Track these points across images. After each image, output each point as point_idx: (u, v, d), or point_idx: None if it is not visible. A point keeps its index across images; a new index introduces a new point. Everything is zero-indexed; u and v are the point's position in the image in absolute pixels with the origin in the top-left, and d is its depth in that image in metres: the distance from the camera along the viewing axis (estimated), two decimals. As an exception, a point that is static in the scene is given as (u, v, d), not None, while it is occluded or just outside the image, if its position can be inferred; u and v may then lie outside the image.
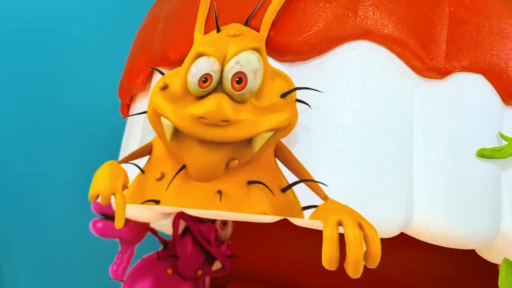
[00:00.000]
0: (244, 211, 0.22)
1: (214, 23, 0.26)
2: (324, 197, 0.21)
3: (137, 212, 0.34)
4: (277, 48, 0.24)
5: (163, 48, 0.28)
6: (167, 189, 0.26)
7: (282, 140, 0.23)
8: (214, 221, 0.48)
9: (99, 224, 0.40)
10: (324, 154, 0.23)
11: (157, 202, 0.26)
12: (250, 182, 0.23)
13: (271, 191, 0.22)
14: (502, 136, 0.25)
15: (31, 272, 0.57)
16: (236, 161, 0.23)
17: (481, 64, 0.25)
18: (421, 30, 0.24)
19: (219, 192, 0.23)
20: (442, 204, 0.23)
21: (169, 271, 0.44)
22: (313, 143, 0.23)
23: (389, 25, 0.24)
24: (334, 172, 0.22)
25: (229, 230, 0.49)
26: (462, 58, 0.24)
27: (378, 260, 0.20)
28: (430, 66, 0.24)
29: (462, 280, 0.44)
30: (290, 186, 0.22)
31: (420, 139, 0.24)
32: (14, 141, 0.55)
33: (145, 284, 0.42)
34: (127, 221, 0.41)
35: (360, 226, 0.20)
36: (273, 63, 0.25)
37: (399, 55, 0.24)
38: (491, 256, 0.25)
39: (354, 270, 0.20)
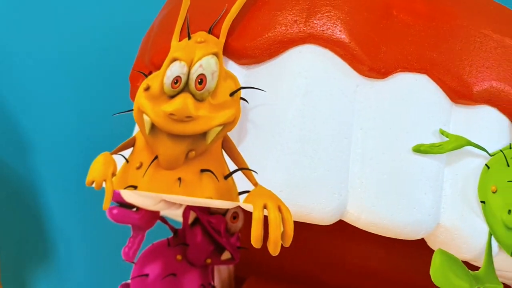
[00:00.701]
0: (196, 195, 0.26)
1: (193, 32, 0.29)
2: (255, 183, 0.24)
3: (140, 200, 0.38)
4: (235, 52, 0.27)
5: (151, 53, 0.32)
6: (143, 176, 0.30)
7: (233, 134, 0.26)
8: (224, 214, 0.52)
9: (115, 211, 0.45)
10: (267, 146, 0.25)
11: (135, 187, 0.30)
12: (202, 170, 0.26)
13: (217, 178, 0.25)
14: (443, 132, 0.26)
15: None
16: (194, 152, 0.26)
17: (425, 64, 0.26)
18: (363, 33, 0.25)
19: (179, 179, 0.27)
20: (374, 195, 0.24)
21: (179, 257, 0.48)
22: (259, 136, 0.26)
23: (333, 30, 0.26)
24: (274, 163, 0.25)
25: (239, 223, 0.52)
26: (403, 59, 0.25)
27: (290, 240, 0.22)
28: (370, 67, 0.25)
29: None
30: (231, 173, 0.25)
31: (359, 134, 0.25)
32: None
33: (155, 266, 0.46)
34: (139, 209, 0.45)
35: (279, 209, 0.22)
36: (233, 66, 0.28)
37: (342, 57, 0.26)
38: (437, 248, 0.26)
39: (273, 247, 0.22)
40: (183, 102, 0.27)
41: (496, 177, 0.26)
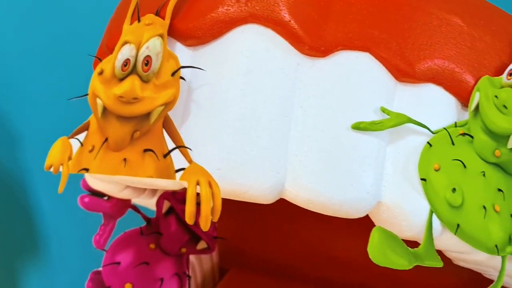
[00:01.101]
0: (138, 175, 0.26)
1: (143, 14, 0.29)
2: (190, 161, 0.24)
3: (105, 186, 0.39)
4: (180, 33, 0.27)
5: (106, 38, 0.32)
6: (94, 159, 0.30)
7: (177, 114, 0.27)
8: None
9: (86, 199, 0.45)
10: (208, 126, 0.25)
11: (87, 170, 0.30)
12: (145, 150, 0.26)
13: (157, 157, 0.25)
14: (384, 110, 0.26)
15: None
16: (138, 132, 0.27)
17: (366, 42, 0.26)
18: (304, 12, 0.25)
19: (124, 160, 0.27)
20: (311, 172, 0.24)
21: (152, 246, 0.48)
22: (201, 116, 0.26)
23: (274, 9, 0.26)
24: (213, 141, 0.25)
25: (216, 213, 0.52)
26: (344, 37, 0.25)
27: (219, 214, 0.22)
28: (310, 46, 0.25)
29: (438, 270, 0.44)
30: (169, 152, 0.25)
31: (299, 112, 0.25)
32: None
33: (127, 254, 0.46)
34: (110, 197, 0.46)
35: (210, 185, 0.22)
36: (180, 47, 0.28)
37: (283, 36, 0.26)
38: (384, 227, 0.26)
39: (205, 222, 0.22)
40: (131, 84, 0.27)
41: (439, 155, 0.26)
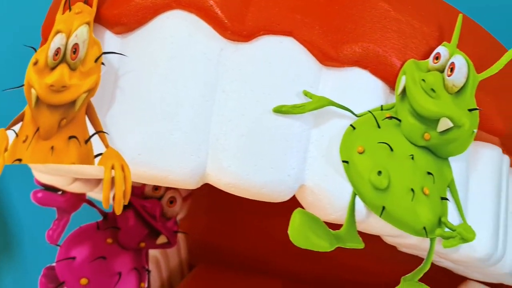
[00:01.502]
0: (63, 162, 0.26)
1: (73, 3, 0.29)
2: (107, 145, 0.24)
3: (52, 179, 0.38)
4: (107, 21, 0.27)
5: (42, 28, 0.32)
6: (27, 149, 0.30)
7: (104, 101, 0.27)
8: (160, 198, 0.52)
9: (39, 194, 0.45)
10: (131, 111, 0.25)
11: (20, 160, 0.30)
12: (70, 137, 0.26)
13: (80, 143, 0.25)
14: (307, 93, 0.26)
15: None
16: (65, 120, 0.27)
17: (290, 26, 0.25)
18: (226, -2, 0.25)
19: (52, 147, 0.27)
20: (232, 155, 0.24)
21: (109, 240, 0.48)
22: (126, 102, 0.26)
23: (197, -6, 0.26)
24: (134, 127, 0.25)
25: (177, 207, 0.52)
26: (266, 22, 0.25)
27: (128, 197, 0.22)
28: (233, 30, 0.25)
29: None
30: (90, 137, 0.25)
31: (221, 96, 0.25)
32: None
33: (82, 249, 0.46)
34: (65, 192, 0.45)
35: (122, 168, 0.22)
36: (110, 35, 0.28)
37: (206, 21, 0.26)
38: (311, 210, 0.26)
39: (118, 206, 0.22)
40: (60, 73, 0.27)
41: (363, 137, 0.26)
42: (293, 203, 0.70)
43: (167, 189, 0.52)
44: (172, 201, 0.51)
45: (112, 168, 0.23)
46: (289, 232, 0.24)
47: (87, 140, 0.25)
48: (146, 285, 0.50)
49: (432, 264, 0.36)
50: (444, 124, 0.28)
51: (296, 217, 0.24)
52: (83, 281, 0.46)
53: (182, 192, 0.55)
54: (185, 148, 0.24)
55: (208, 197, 0.71)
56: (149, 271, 0.50)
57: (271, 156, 0.24)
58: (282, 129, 0.25)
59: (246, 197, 0.25)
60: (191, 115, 0.24)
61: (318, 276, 0.59)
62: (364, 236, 0.54)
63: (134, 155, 0.24)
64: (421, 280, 0.33)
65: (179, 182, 0.24)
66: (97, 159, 0.24)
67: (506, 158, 0.35)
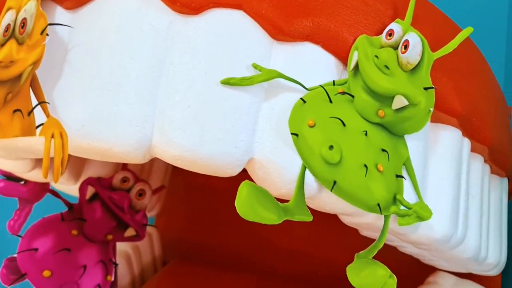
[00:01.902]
0: (7, 136, 0.25)
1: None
2: (48, 115, 0.24)
3: (11, 165, 0.38)
4: (58, -4, 0.27)
5: (-1, 7, 0.32)
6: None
7: (53, 75, 0.26)
8: (128, 190, 0.51)
9: (1, 184, 0.44)
10: (78, 84, 0.25)
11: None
12: (14, 111, 0.25)
13: (23, 116, 0.25)
14: (256, 66, 0.25)
15: None
16: (11, 94, 0.26)
17: (239, 0, 0.25)
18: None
19: (-3, 123, 0.26)
20: (178, 127, 0.24)
21: (74, 232, 0.47)
22: (73, 75, 0.25)
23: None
24: (79, 99, 0.24)
25: (146, 200, 0.51)
26: (214, -6, 0.25)
27: (66, 163, 0.22)
28: (182, 3, 0.25)
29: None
30: (33, 109, 0.24)
31: (169, 69, 0.25)
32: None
33: (45, 240, 0.45)
34: (28, 182, 0.45)
35: (61, 136, 0.22)
36: (60, 11, 0.27)
37: (154, -6, 0.25)
38: (261, 185, 0.25)
39: (56, 174, 0.22)
40: (9, 48, 0.27)
41: (314, 111, 0.26)
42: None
43: (136, 181, 0.51)
44: (141, 193, 0.50)
45: (52, 137, 0.22)
46: (236, 204, 0.23)
47: (30, 112, 0.24)
48: (112, 279, 0.49)
49: (402, 258, 0.36)
50: (399, 102, 0.28)
51: (243, 189, 0.23)
52: (46, 273, 0.45)
53: (152, 185, 0.55)
54: (130, 120, 0.24)
55: (184, 195, 0.70)
56: (116, 264, 0.49)
57: (218, 127, 0.24)
58: (230, 101, 0.24)
59: (195, 171, 0.24)
60: (137, 87, 0.24)
61: (293, 272, 0.59)
62: (340, 231, 0.54)
63: (78, 127, 0.23)
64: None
65: (124, 154, 0.24)
66: (38, 130, 0.23)
67: (466, 141, 0.35)
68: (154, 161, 0.63)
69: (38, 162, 0.38)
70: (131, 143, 0.23)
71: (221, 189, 0.65)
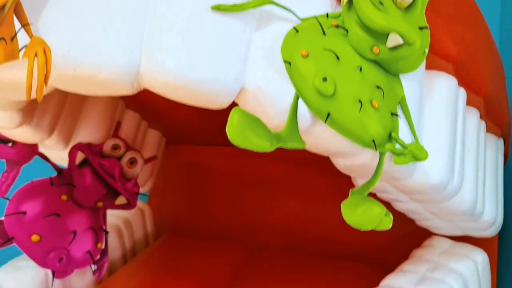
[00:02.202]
0: (-11, 68, 0.24)
1: None
2: (31, 36, 0.23)
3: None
4: None
5: None
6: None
7: (39, 3, 0.25)
8: (119, 158, 0.50)
9: (-12, 146, 0.43)
10: (65, 9, 0.24)
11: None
12: (-1, 40, 0.24)
13: (6, 42, 0.24)
14: (248, -7, 0.25)
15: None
16: (-5, 25, 0.25)
17: None
18: None
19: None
20: (166, 52, 0.23)
21: (64, 197, 0.46)
22: (60, 2, 0.24)
23: None
24: (65, 24, 0.23)
25: (137, 169, 0.50)
26: None
27: (48, 80, 0.21)
28: None
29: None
30: (16, 33, 0.23)
31: (159, -4, 0.24)
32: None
33: (34, 204, 0.44)
34: (16, 143, 0.44)
35: (44, 52, 0.21)
36: None
37: None
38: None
39: (40, 92, 0.21)
40: None
41: (308, 42, 0.25)
42: (262, 175, 0.68)
43: (127, 149, 0.50)
44: (132, 162, 0.50)
45: (36, 55, 0.21)
46: (227, 131, 0.22)
47: (13, 37, 0.23)
48: (103, 246, 0.48)
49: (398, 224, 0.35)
50: (394, 39, 0.27)
51: (234, 115, 0.22)
52: (35, 237, 0.44)
53: (144, 154, 0.54)
54: (118, 44, 0.23)
55: (177, 174, 0.69)
56: (106, 232, 0.48)
57: (207, 52, 0.23)
58: (220, 27, 0.23)
59: (186, 101, 0.23)
60: (124, 12, 0.23)
61: (285, 245, 0.58)
62: (333, 207, 0.53)
63: (64, 52, 0.22)
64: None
65: (111, 81, 0.23)
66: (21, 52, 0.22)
67: (462, 91, 0.34)
68: (146, 135, 0.62)
69: (25, 117, 0.38)
70: (118, 68, 0.23)
71: (214, 168, 0.64)
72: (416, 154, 0.28)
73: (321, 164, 0.55)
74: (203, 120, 0.58)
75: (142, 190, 0.60)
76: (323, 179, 0.57)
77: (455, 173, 0.32)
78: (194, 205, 0.66)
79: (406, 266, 0.39)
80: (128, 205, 0.49)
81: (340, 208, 0.61)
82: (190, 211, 0.66)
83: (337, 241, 0.56)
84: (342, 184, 0.54)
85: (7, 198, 0.42)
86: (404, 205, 0.37)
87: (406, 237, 0.50)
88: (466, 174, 0.34)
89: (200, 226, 0.64)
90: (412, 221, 0.46)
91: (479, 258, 0.40)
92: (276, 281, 0.50)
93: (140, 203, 0.64)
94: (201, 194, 0.66)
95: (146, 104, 0.54)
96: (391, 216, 0.27)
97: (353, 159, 0.28)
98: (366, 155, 0.27)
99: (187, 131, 0.64)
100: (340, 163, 0.29)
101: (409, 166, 0.29)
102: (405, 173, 0.29)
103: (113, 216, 0.58)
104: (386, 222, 0.26)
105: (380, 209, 0.26)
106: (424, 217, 0.39)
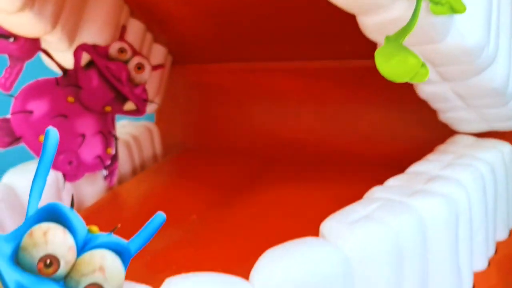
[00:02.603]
0: None
1: None
2: None
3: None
4: None
5: None
6: None
7: None
8: (126, 62, 0.48)
9: (-11, 41, 0.41)
10: None
11: None
12: None
13: None
14: None
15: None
16: None
17: None
18: None
19: None
20: None
21: (70, 99, 0.44)
22: None
23: None
24: None
25: (145, 75, 0.48)
26: None
27: None
28: None
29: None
30: None
31: None
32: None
33: (41, 104, 0.42)
34: (18, 38, 0.41)
35: None
36: None
37: None
38: None
39: None
40: None
41: None
42: (272, 90, 0.66)
43: (134, 54, 0.48)
44: (140, 67, 0.47)
45: None
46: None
47: None
48: (113, 152, 0.47)
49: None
50: None
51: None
52: (42, 138, 0.43)
53: (152, 60, 0.52)
54: None
55: (185, 96, 0.67)
56: (116, 138, 0.47)
57: None
58: None
59: None
60: None
61: (297, 158, 0.57)
62: (348, 117, 0.51)
63: None
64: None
65: None
66: None
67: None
68: (151, 50, 0.60)
69: (28, 1, 0.35)
70: None
71: (222, 85, 0.62)
72: (453, 5, 0.26)
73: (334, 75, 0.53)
74: (210, 35, 0.56)
75: (148, 110, 0.58)
76: (336, 89, 0.55)
77: (490, 40, 0.30)
78: (203, 125, 0.64)
79: (431, 156, 0.38)
80: (137, 112, 0.48)
81: (353, 119, 0.59)
82: (199, 131, 0.64)
83: (352, 152, 0.55)
84: (353, 95, 0.53)
85: (12, 95, 0.40)
86: (431, 87, 0.35)
87: (426, 145, 0.48)
88: (500, 46, 0.32)
89: (210, 145, 0.63)
90: (432, 128, 0.45)
91: (506, 150, 0.39)
92: (292, 188, 0.49)
93: (147, 122, 0.63)
94: (210, 113, 0.64)
95: (151, 11, 0.52)
96: (428, 68, 0.25)
97: (385, 13, 0.26)
98: (400, 6, 0.25)
99: (193, 47, 0.62)
100: (369, 22, 0.27)
101: (444, 25, 0.27)
102: (440, 32, 0.27)
103: (121, 133, 0.56)
104: (422, 74, 0.24)
105: (416, 60, 0.24)
106: (450, 106, 0.38)
